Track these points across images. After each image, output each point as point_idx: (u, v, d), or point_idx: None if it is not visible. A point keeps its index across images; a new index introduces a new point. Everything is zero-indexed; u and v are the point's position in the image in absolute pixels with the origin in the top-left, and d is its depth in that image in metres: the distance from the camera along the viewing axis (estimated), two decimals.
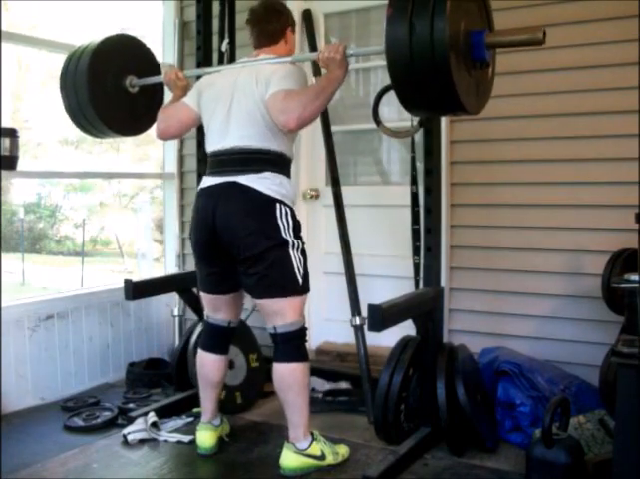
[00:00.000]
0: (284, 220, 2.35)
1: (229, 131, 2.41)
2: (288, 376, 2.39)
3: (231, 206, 2.35)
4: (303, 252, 2.42)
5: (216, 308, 2.61)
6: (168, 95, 2.84)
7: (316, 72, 3.44)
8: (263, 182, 2.34)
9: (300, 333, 2.43)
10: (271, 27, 2.53)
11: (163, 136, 2.70)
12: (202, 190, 2.47)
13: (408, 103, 2.04)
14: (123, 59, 2.81)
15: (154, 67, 2.97)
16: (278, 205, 2.34)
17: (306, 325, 2.47)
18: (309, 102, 2.24)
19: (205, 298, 2.62)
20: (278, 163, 2.40)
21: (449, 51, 1.82)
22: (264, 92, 2.33)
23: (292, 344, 2.41)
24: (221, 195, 2.38)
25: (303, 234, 2.47)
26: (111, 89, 2.77)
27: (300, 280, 2.39)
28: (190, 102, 2.56)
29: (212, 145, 2.48)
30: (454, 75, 1.85)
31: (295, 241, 2.38)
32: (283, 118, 2.26)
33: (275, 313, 2.40)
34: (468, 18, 1.96)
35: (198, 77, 2.70)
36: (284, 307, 2.38)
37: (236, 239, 2.34)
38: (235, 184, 2.35)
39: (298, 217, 2.45)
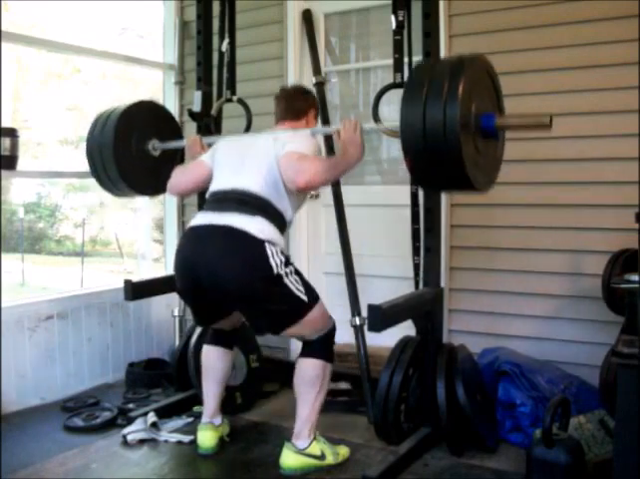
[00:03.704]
0: (276, 258, 2.31)
1: (236, 179, 2.42)
2: (310, 370, 2.42)
3: (219, 250, 2.30)
4: (296, 273, 2.40)
5: (215, 325, 2.67)
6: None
7: (316, 72, 3.45)
8: (254, 225, 2.31)
9: (327, 335, 2.47)
10: (297, 104, 2.62)
11: (174, 190, 2.72)
12: (191, 230, 2.42)
13: (420, 180, 2.18)
14: (147, 123, 2.95)
15: (175, 130, 3.10)
16: (267, 245, 2.30)
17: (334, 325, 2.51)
18: (322, 171, 2.30)
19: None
20: (274, 218, 2.38)
21: (460, 134, 1.89)
22: (280, 151, 2.36)
23: (320, 342, 2.45)
24: (210, 240, 2.34)
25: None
26: (134, 151, 2.89)
27: (305, 298, 2.38)
28: (205, 158, 2.60)
29: (214, 186, 2.49)
30: (464, 156, 1.93)
31: (287, 271, 2.35)
32: (293, 176, 2.29)
33: (298, 335, 2.46)
34: (478, 101, 2.02)
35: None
36: (304, 328, 2.41)
37: (229, 280, 2.29)
38: (225, 227, 2.31)
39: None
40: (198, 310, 2.59)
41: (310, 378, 2.42)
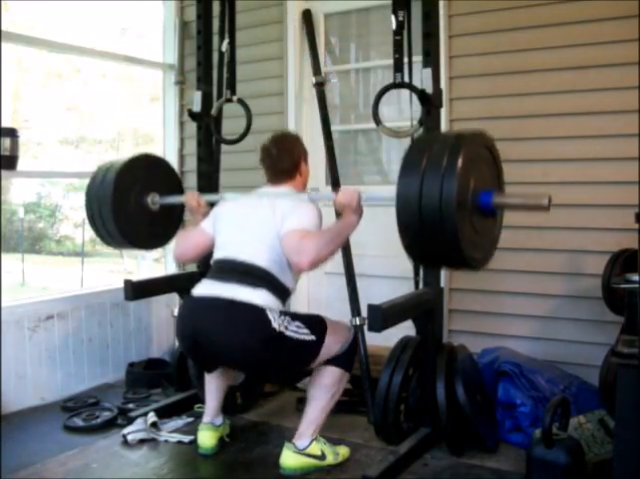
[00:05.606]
0: (277, 321, 2.31)
1: (239, 248, 2.42)
2: (328, 377, 2.44)
3: (221, 324, 2.31)
4: (293, 318, 2.38)
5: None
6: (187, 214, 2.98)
7: (316, 72, 3.45)
8: (257, 296, 2.31)
9: (350, 346, 2.49)
10: (285, 166, 2.56)
11: (181, 259, 2.76)
12: (194, 300, 2.43)
13: (414, 254, 2.15)
14: (147, 177, 2.91)
15: (176, 185, 3.08)
16: (268, 312, 2.30)
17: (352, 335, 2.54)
18: (324, 246, 2.28)
19: None
20: (278, 290, 2.38)
21: (456, 210, 1.87)
22: (280, 226, 2.35)
23: (342, 353, 2.46)
24: (212, 313, 2.34)
25: None
26: (133, 205, 2.87)
27: (312, 337, 2.38)
28: (206, 226, 2.60)
29: (219, 254, 2.50)
30: (461, 237, 1.90)
31: (285, 324, 2.33)
32: (297, 259, 2.28)
33: (325, 359, 2.44)
34: (478, 176, 2.00)
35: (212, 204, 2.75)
36: (324, 356, 2.42)
37: (233, 350, 2.33)
38: (228, 300, 2.31)
39: None
40: (204, 368, 2.67)
41: (326, 385, 2.44)
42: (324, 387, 2.45)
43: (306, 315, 2.51)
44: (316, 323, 2.43)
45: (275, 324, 2.29)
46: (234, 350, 2.32)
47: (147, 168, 2.94)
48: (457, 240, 1.90)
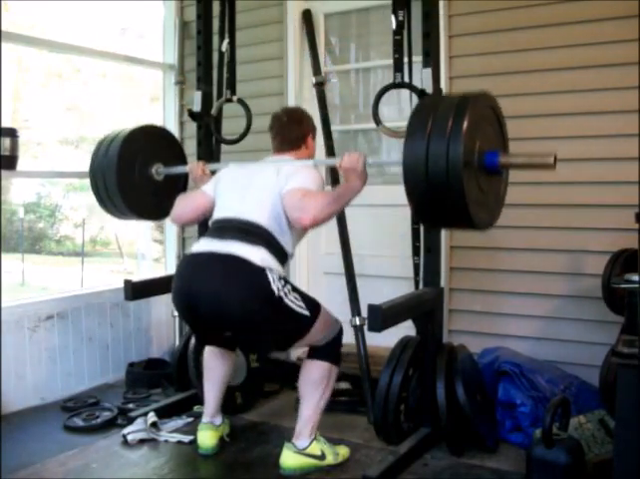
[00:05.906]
0: (277, 283, 2.29)
1: (240, 208, 2.41)
2: (316, 372, 2.44)
3: (221, 278, 2.28)
4: (294, 289, 2.38)
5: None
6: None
7: (316, 72, 3.45)
8: (256, 253, 2.29)
9: (335, 339, 2.48)
10: (293, 135, 2.59)
11: (177, 220, 2.72)
12: (192, 257, 2.42)
13: (421, 216, 2.19)
14: (151, 147, 2.93)
15: (179, 156, 3.08)
16: (268, 272, 2.28)
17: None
18: (326, 205, 2.28)
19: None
20: (276, 250, 2.36)
21: (463, 171, 1.89)
22: (283, 185, 2.35)
23: (327, 346, 2.46)
24: (210, 268, 2.32)
25: None
26: (138, 176, 2.88)
27: (307, 313, 2.37)
28: (207, 189, 2.59)
29: (218, 214, 2.48)
30: (467, 195, 1.92)
31: (285, 291, 2.32)
32: (298, 215, 2.28)
33: (307, 344, 2.46)
34: (483, 138, 2.02)
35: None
36: (310, 339, 2.43)
37: (232, 306, 2.28)
38: (226, 255, 2.28)
39: None
40: (198, 334, 2.66)
41: (315, 380, 2.44)
42: (313, 383, 2.44)
43: (304, 293, 2.48)
44: (312, 302, 2.43)
45: (274, 287, 2.27)
46: (231, 306, 2.27)
47: (150, 138, 2.95)
48: (464, 200, 1.92)
